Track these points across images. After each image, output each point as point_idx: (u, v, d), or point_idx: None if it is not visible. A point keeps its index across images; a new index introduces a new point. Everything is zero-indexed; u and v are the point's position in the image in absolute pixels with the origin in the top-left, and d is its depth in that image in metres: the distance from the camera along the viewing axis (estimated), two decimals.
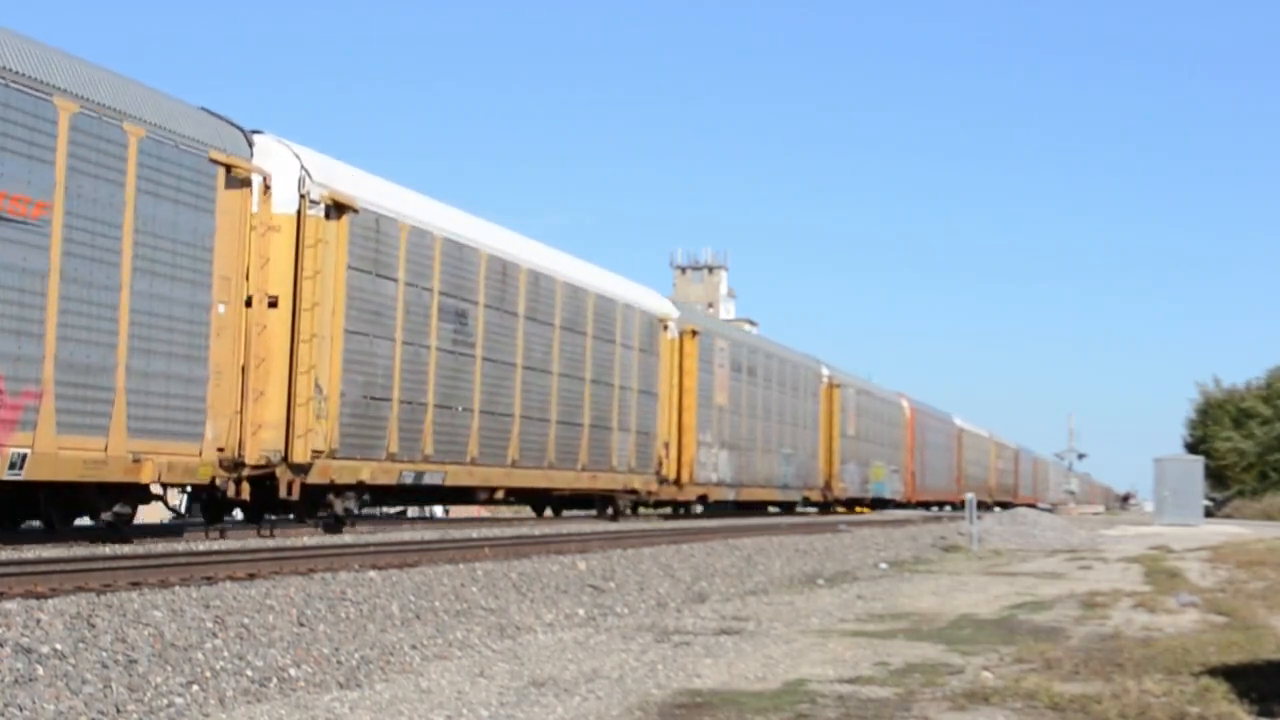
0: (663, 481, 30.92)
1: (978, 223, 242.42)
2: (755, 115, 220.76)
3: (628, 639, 10.02)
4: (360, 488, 19.52)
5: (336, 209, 18.43)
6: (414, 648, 9.10)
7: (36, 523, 15.76)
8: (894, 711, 7.04)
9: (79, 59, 14.52)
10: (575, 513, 31.12)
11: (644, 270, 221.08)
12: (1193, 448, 75.57)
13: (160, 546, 14.72)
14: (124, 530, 15.48)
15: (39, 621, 8.16)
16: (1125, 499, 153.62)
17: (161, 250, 15.24)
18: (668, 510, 35.25)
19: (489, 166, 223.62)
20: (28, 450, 13.25)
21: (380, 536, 18.70)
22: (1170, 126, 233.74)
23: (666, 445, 31.32)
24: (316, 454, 17.92)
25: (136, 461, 14.62)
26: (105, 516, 15.13)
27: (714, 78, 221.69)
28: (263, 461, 17.03)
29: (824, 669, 8.56)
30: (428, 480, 21.11)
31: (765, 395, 38.97)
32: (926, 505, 62.49)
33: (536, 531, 21.64)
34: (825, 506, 46.17)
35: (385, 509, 30.77)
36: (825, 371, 46.44)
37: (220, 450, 16.04)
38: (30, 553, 13.06)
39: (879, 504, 53.20)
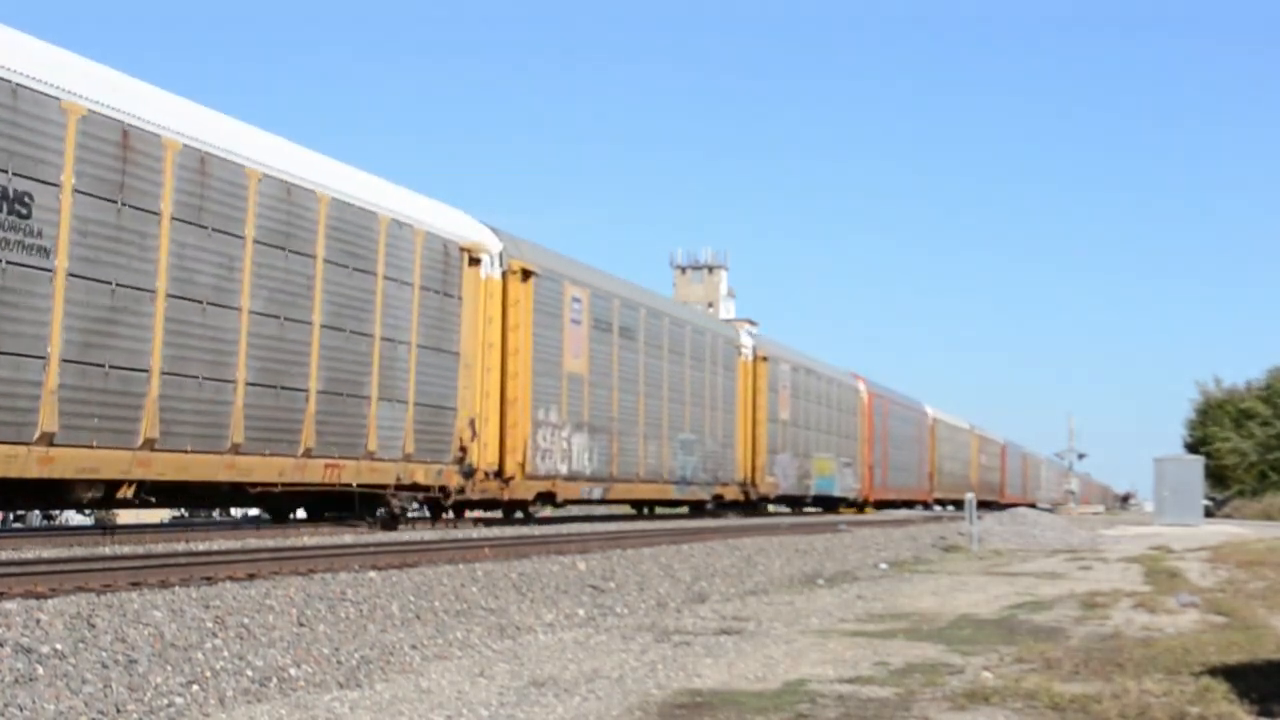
0: (470, 473, 22.10)
1: (978, 223, 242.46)
2: (756, 115, 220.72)
3: (628, 639, 10.02)
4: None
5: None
6: (414, 648, 9.11)
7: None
8: (894, 711, 7.04)
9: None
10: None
11: (644, 270, 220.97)
12: (1193, 448, 75.55)
13: (160, 546, 14.72)
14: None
15: (39, 621, 8.15)
16: (1125, 499, 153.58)
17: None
18: (498, 514, 26.33)
19: (489, 166, 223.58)
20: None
21: (380, 536, 18.69)
22: (1170, 126, 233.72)
23: (474, 422, 22.32)
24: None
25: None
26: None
27: (714, 77, 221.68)
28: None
29: (824, 669, 8.56)
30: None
31: (653, 365, 30.49)
32: (891, 505, 55.80)
33: (536, 532, 21.63)
34: (750, 506, 37.72)
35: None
36: (748, 341, 38.36)
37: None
38: (30, 553, 13.07)
39: (824, 503, 45.67)
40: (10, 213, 13.41)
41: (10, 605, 8.53)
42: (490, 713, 6.91)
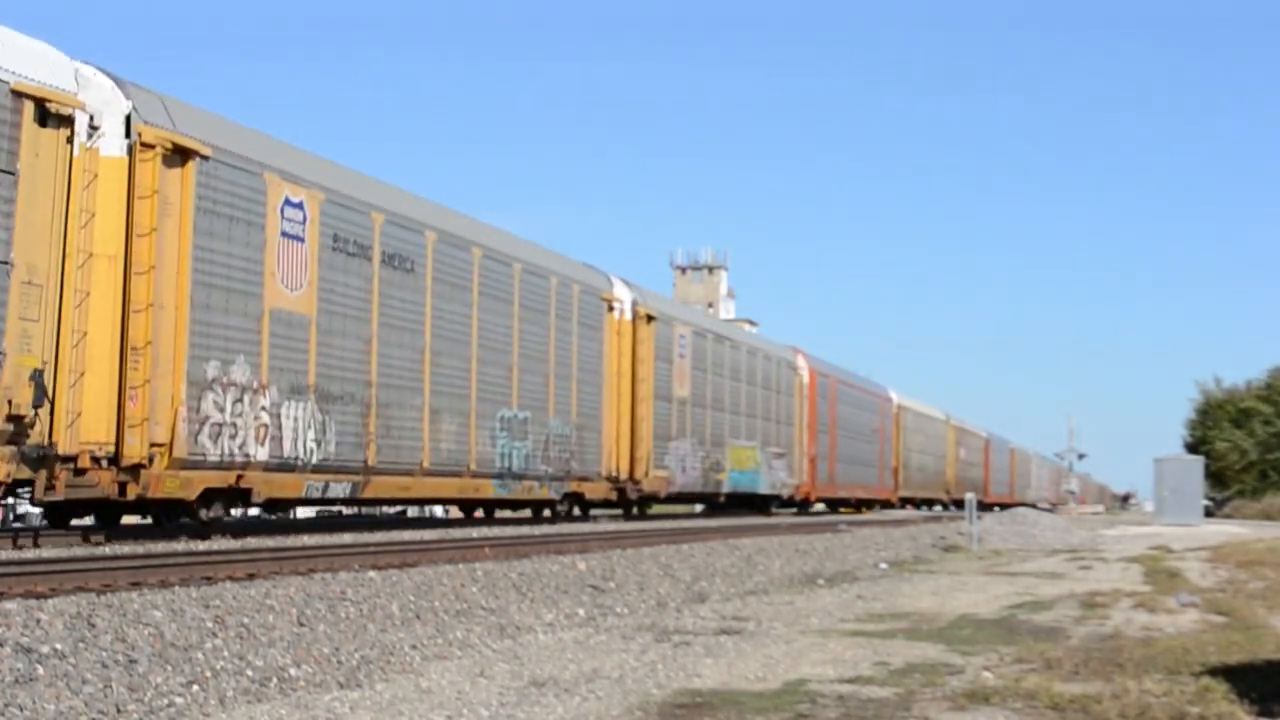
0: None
1: (978, 223, 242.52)
2: (756, 115, 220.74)
3: (628, 639, 10.02)
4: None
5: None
6: (414, 648, 9.11)
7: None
8: (894, 711, 7.04)
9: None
10: None
11: (644, 270, 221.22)
12: (1193, 448, 75.53)
13: (160, 546, 14.72)
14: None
15: (39, 621, 8.15)
16: (1125, 499, 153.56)
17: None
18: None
19: (489, 166, 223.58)
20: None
21: (380, 536, 18.69)
22: (1171, 126, 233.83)
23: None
24: None
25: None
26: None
27: (714, 77, 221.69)
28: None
29: (824, 669, 8.56)
30: None
31: (452, 311, 21.94)
32: (843, 505, 49.20)
33: (536, 531, 21.64)
34: (630, 506, 30.35)
35: (385, 510, 30.82)
36: (623, 295, 28.70)
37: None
38: (30, 553, 13.07)
39: (745, 502, 37.75)
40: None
41: (10, 605, 8.52)
42: (490, 713, 6.91)
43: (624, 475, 28.58)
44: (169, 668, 7.55)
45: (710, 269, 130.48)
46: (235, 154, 16.86)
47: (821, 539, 24.48)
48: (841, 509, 49.60)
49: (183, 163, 15.91)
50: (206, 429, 16.14)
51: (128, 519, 18.47)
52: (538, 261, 25.48)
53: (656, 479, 29.99)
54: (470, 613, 11.12)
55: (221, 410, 16.49)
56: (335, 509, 31.86)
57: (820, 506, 47.22)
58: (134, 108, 15.30)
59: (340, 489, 19.03)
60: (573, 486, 26.29)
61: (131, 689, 7.03)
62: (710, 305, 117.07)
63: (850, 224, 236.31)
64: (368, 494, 19.80)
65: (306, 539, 17.17)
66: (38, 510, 28.28)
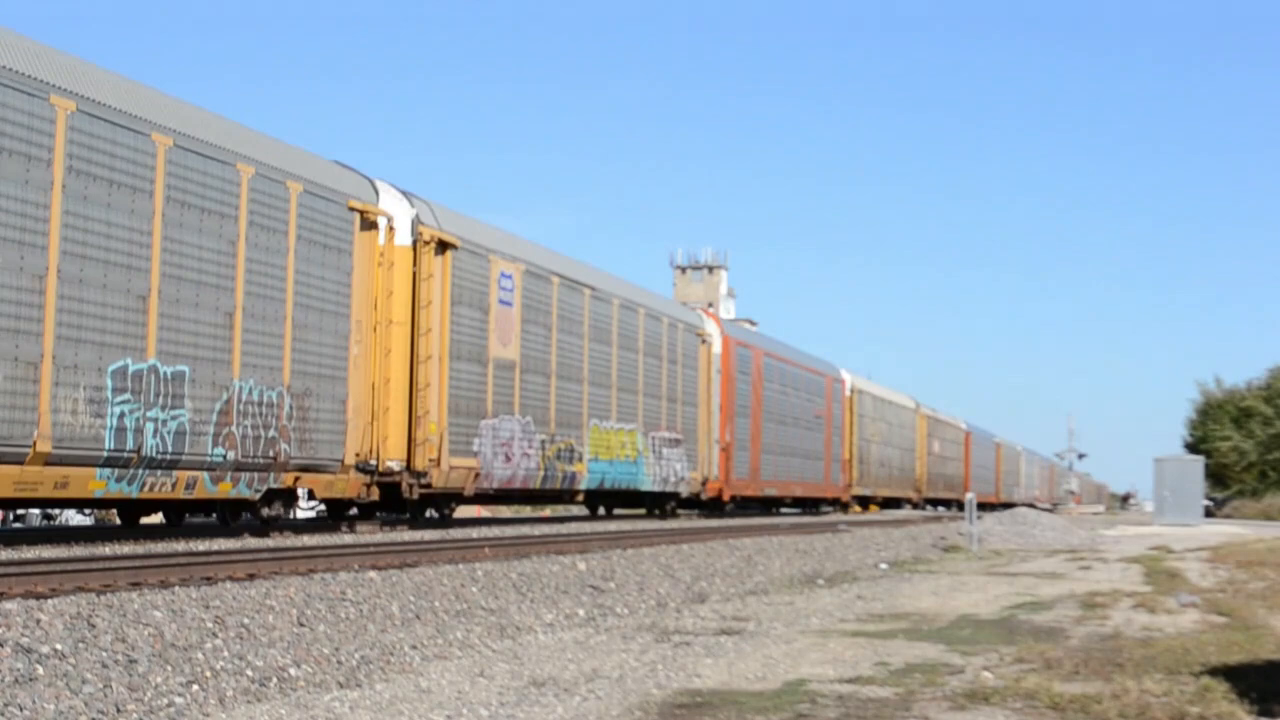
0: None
1: (978, 223, 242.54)
2: (755, 114, 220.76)
3: (628, 639, 10.02)
4: None
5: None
6: (414, 648, 9.11)
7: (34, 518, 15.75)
8: (894, 711, 7.04)
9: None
10: None
11: (645, 270, 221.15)
12: (1193, 448, 75.53)
13: (160, 546, 14.72)
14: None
15: (39, 621, 8.16)
16: (1125, 499, 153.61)
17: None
18: None
19: (489, 166, 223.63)
20: None
21: (380, 536, 18.69)
22: (1172, 125, 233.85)
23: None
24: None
25: None
26: None
27: (714, 77, 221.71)
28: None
29: (824, 669, 8.56)
30: None
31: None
32: (775, 503, 42.05)
33: (536, 532, 21.64)
34: (413, 507, 22.05)
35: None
36: (394, 208, 20.83)
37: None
38: (30, 553, 13.07)
39: (622, 499, 31.36)
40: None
41: (10, 605, 8.53)
42: (490, 713, 6.91)
43: (395, 463, 20.25)
44: (169, 668, 7.55)
45: (710, 269, 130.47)
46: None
47: (821, 539, 24.49)
48: (781, 509, 43.71)
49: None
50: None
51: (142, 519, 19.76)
52: (194, 134, 16.53)
53: (456, 470, 21.51)
54: (470, 613, 11.12)
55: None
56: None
57: (759, 507, 40.87)
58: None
59: None
60: (286, 480, 18.04)
61: (131, 689, 7.03)
62: (710, 305, 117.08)
63: (851, 224, 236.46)
64: None
65: (306, 539, 17.18)
66: (35, 511, 28.32)
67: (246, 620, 9.19)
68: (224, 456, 16.71)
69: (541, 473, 24.76)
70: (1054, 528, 30.39)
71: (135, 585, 10.40)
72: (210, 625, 8.87)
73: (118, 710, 6.69)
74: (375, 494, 20.29)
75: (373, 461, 19.89)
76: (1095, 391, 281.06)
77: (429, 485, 20.87)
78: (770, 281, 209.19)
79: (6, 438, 13.57)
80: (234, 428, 16.94)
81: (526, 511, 39.30)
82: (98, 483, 15.06)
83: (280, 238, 17.91)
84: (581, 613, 11.80)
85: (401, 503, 21.46)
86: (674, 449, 31.63)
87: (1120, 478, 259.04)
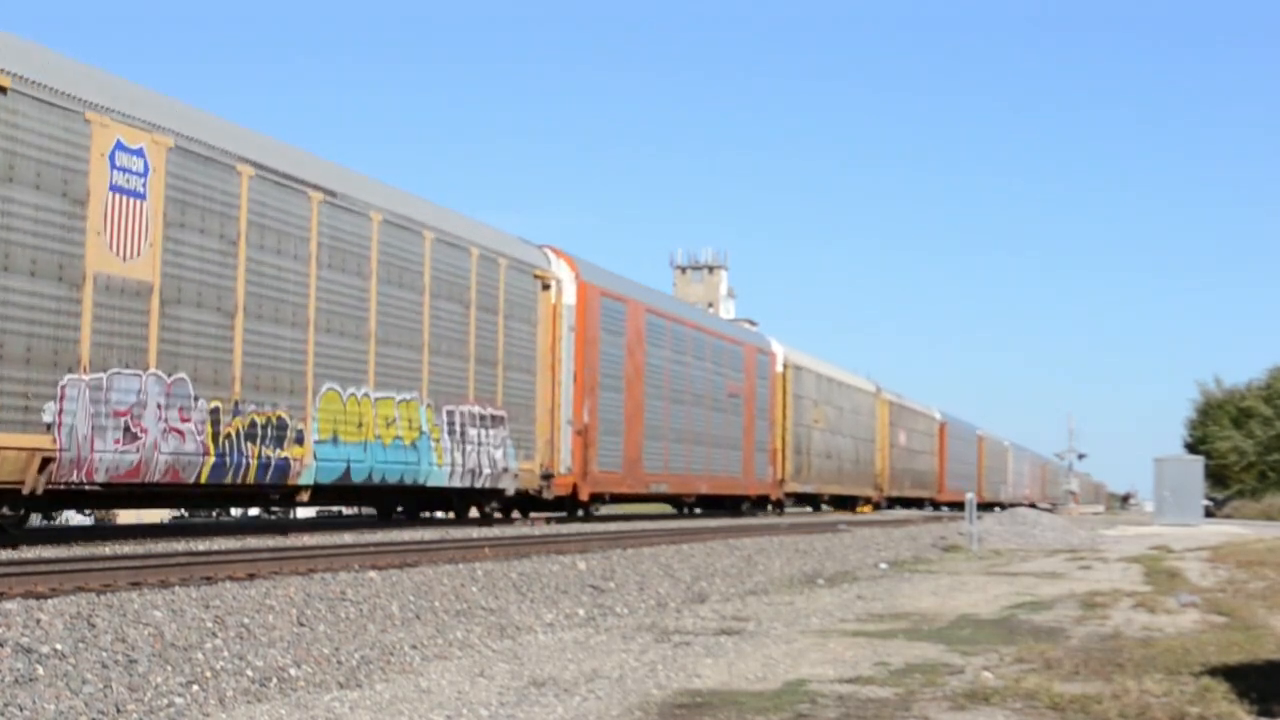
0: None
1: (978, 222, 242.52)
2: (755, 114, 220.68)
3: (628, 639, 10.02)
4: None
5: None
6: (414, 648, 9.11)
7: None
8: (894, 711, 7.04)
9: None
10: None
11: (644, 270, 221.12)
12: (1193, 448, 75.59)
13: (160, 546, 14.72)
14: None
15: (39, 621, 8.16)
16: (1125, 499, 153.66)
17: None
18: None
19: (489, 166, 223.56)
20: None
21: (380, 536, 18.70)
22: (1172, 125, 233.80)
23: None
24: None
25: None
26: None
27: (714, 77, 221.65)
28: None
29: (824, 669, 8.55)
30: None
31: None
32: (670, 501, 34.59)
33: (536, 531, 21.64)
34: None
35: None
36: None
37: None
38: (30, 553, 13.07)
39: (396, 498, 24.02)
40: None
41: (10, 605, 8.53)
42: (490, 713, 6.91)
43: None
44: (169, 668, 7.55)
45: (710, 269, 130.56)
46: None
47: (821, 539, 24.50)
48: (695, 509, 36.28)
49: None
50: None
51: (123, 519, 19.62)
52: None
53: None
54: (470, 613, 11.12)
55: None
56: (335, 509, 31.85)
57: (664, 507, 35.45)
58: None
59: None
60: None
61: (131, 689, 7.03)
62: (710, 305, 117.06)
63: (851, 224, 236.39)
64: None
65: (306, 539, 17.18)
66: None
67: (246, 620, 9.19)
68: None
69: (210, 459, 16.44)
70: (1054, 528, 30.39)
71: (135, 585, 10.40)
72: (210, 625, 8.87)
73: (118, 710, 6.69)
74: None
75: None
76: (1095, 391, 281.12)
77: None
78: (770, 281, 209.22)
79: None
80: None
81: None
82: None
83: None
84: (581, 612, 11.80)
85: None
86: (493, 430, 23.11)
87: (1120, 478, 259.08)
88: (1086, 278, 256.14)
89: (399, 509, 25.21)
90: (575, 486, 26.22)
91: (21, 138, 13.93)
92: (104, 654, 7.63)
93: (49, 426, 14.07)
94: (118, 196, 15.14)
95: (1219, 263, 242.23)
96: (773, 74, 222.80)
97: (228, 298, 16.88)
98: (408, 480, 20.97)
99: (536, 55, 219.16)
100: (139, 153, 15.49)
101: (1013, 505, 71.57)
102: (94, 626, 8.25)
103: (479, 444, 22.82)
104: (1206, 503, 58.99)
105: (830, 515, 42.54)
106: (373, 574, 12.13)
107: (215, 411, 16.60)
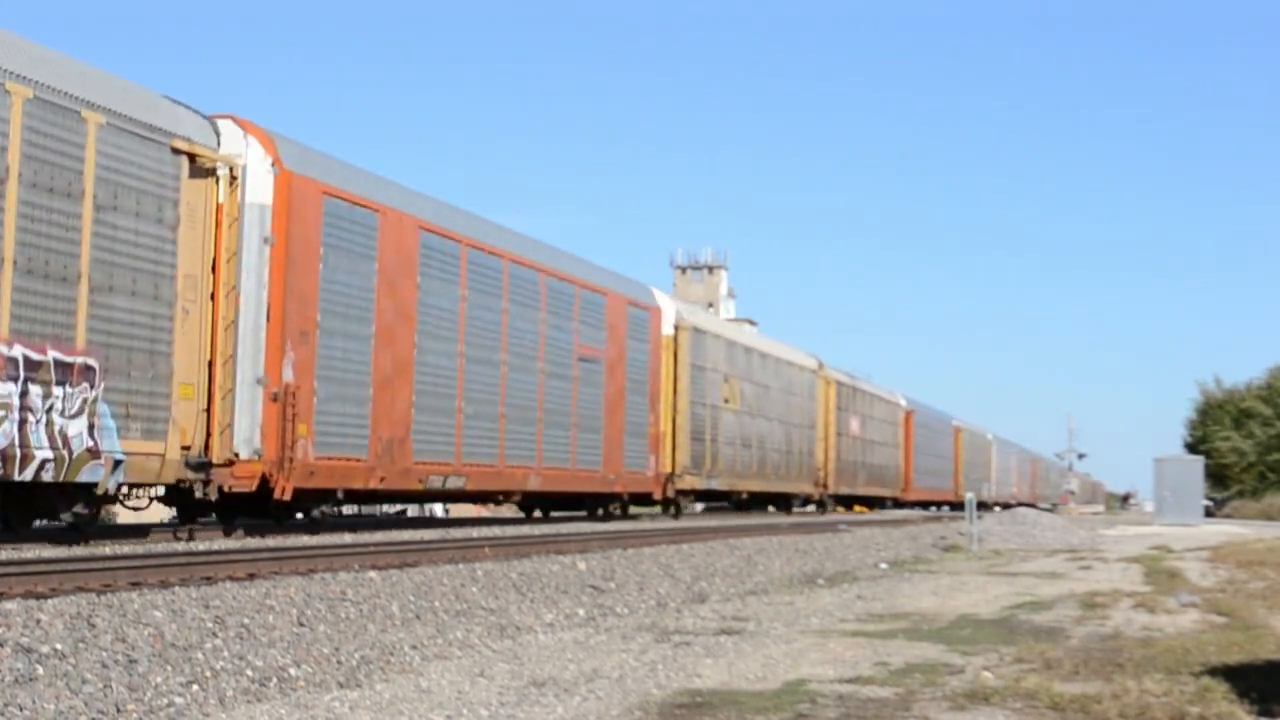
0: None
1: (978, 222, 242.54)
2: (755, 114, 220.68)
3: (628, 639, 10.02)
4: None
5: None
6: (414, 648, 9.11)
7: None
8: (894, 711, 7.04)
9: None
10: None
11: (644, 270, 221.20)
12: (1193, 448, 75.58)
13: (160, 546, 14.72)
14: None
15: (39, 621, 8.16)
16: (1125, 499, 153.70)
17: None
18: None
19: (489, 166, 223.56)
20: None
21: (380, 536, 18.69)
22: (1170, 126, 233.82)
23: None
24: None
25: None
26: None
27: (714, 77, 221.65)
28: None
29: (824, 669, 8.55)
30: None
31: None
32: (441, 498, 26.58)
33: (536, 531, 21.64)
34: None
35: (385, 509, 30.74)
36: None
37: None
38: (30, 553, 13.07)
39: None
40: None
41: (10, 605, 8.53)
42: (490, 713, 6.91)
43: None
44: (169, 668, 7.55)
45: (710, 269, 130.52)
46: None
47: (822, 539, 24.50)
48: (529, 512, 28.85)
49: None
50: None
51: (123, 519, 19.88)
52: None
53: None
54: (470, 613, 11.12)
55: None
56: (335, 509, 31.78)
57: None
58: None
59: None
60: None
61: (131, 689, 7.03)
62: (710, 305, 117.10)
63: (851, 224, 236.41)
64: None
65: (307, 539, 17.18)
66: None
67: (246, 620, 9.19)
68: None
69: None
70: (1054, 528, 30.40)
71: (135, 585, 10.41)
72: (210, 625, 8.87)
73: (118, 710, 6.69)
74: None
75: None
76: (1095, 391, 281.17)
77: None
78: (771, 282, 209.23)
79: None
80: None
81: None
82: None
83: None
84: (581, 612, 11.80)
85: None
86: (65, 387, 14.15)
87: (1120, 478, 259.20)
88: (1086, 278, 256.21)
89: None
90: (270, 476, 17.07)
91: None
92: (104, 654, 7.63)
93: None
94: None
95: (1219, 263, 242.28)
96: (773, 74, 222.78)
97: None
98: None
99: (537, 55, 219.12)
100: None
101: (1001, 504, 66.84)
102: (94, 626, 8.26)
103: (42, 414, 13.72)
104: (1206, 503, 59.00)
105: (751, 518, 35.48)
106: (373, 574, 12.14)
107: None
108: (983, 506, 37.48)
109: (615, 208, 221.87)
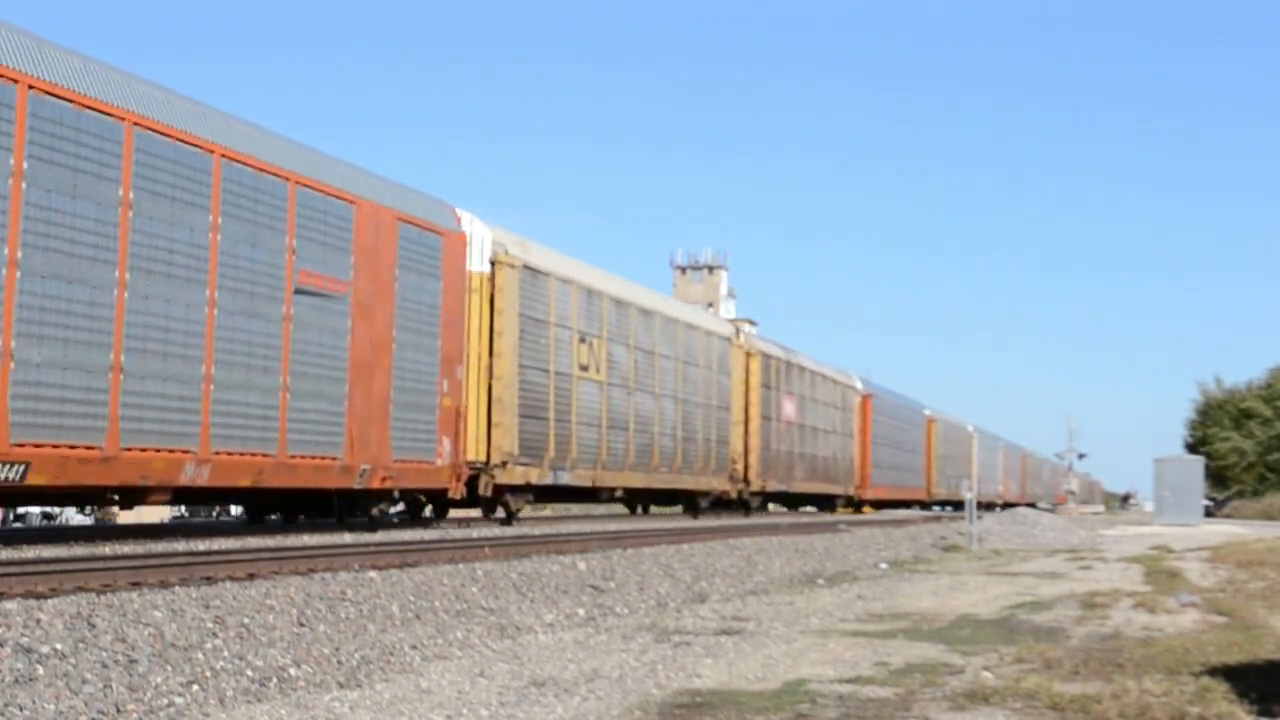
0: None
1: (978, 223, 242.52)
2: (755, 114, 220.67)
3: (628, 639, 10.02)
4: None
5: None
6: (414, 648, 9.10)
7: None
8: (894, 711, 7.04)
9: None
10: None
11: (644, 270, 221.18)
12: (1193, 448, 75.62)
13: (160, 546, 14.72)
14: None
15: (39, 621, 8.16)
16: (1125, 499, 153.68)
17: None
18: None
19: (489, 166, 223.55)
20: None
21: (380, 536, 18.70)
22: (1170, 125, 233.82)
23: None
24: None
25: None
26: None
27: (714, 77, 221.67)
28: None
29: (824, 669, 8.55)
30: None
31: None
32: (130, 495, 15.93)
33: (536, 531, 21.63)
34: None
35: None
36: None
37: None
38: (30, 553, 13.07)
39: None
40: None
41: (10, 605, 8.53)
42: (490, 713, 6.91)
43: None
44: (169, 668, 7.55)
45: (710, 269, 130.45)
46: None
47: (822, 539, 24.50)
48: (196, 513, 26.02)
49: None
50: None
51: (124, 519, 19.65)
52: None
53: None
54: (470, 613, 11.12)
55: None
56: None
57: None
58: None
59: None
60: None
61: (131, 689, 7.03)
62: (710, 305, 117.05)
63: (851, 223, 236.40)
64: None
65: (307, 539, 17.18)
66: (36, 510, 28.38)
67: (246, 620, 9.19)
68: None
69: None
70: (1054, 528, 30.40)
71: (135, 585, 10.40)
72: (210, 625, 8.87)
73: (118, 710, 6.69)
74: None
75: None
76: (1095, 391, 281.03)
77: None
78: (771, 281, 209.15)
79: None
80: None
81: None
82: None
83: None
84: (581, 612, 11.80)
85: None
86: None
87: (1120, 478, 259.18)
88: (1086, 278, 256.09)
89: None
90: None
91: None
92: (104, 654, 7.63)
93: None
94: None
95: (1219, 263, 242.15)
96: (773, 74, 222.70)
97: None
98: None
99: (537, 55, 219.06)
100: None
101: (985, 504, 55.01)
102: (94, 626, 8.25)
103: None
104: (1206, 503, 59.01)
105: (645, 521, 30.32)
106: (373, 574, 12.13)
107: None
108: (960, 506, 32.02)
109: (615, 208, 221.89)
